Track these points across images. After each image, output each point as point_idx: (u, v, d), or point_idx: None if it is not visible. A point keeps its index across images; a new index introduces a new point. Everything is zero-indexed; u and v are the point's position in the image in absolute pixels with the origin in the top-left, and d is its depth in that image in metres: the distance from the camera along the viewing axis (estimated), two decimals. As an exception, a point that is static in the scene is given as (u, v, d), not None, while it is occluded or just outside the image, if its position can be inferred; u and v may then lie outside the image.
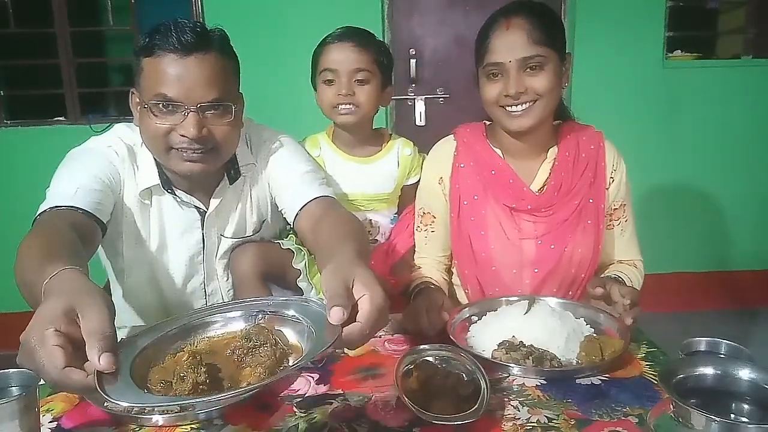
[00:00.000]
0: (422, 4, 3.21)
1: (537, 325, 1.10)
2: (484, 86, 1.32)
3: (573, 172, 1.36)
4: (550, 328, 1.09)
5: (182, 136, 1.15)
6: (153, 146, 1.20)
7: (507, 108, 1.29)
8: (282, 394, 0.97)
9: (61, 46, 3.14)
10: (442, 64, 3.26)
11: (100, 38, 3.92)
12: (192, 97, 1.13)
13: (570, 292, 1.39)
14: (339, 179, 1.56)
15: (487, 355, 1.05)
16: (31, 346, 0.64)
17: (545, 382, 0.99)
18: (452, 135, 1.47)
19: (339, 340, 0.70)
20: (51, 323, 0.64)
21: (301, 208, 1.28)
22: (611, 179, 1.39)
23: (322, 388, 0.99)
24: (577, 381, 0.99)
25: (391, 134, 1.66)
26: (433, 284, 1.39)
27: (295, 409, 0.93)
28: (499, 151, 1.40)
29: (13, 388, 0.83)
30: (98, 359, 0.63)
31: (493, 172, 1.38)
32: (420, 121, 3.29)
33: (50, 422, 0.90)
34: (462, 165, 1.41)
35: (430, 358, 1.00)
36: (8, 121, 3.19)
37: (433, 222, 1.46)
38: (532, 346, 1.06)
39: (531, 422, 0.87)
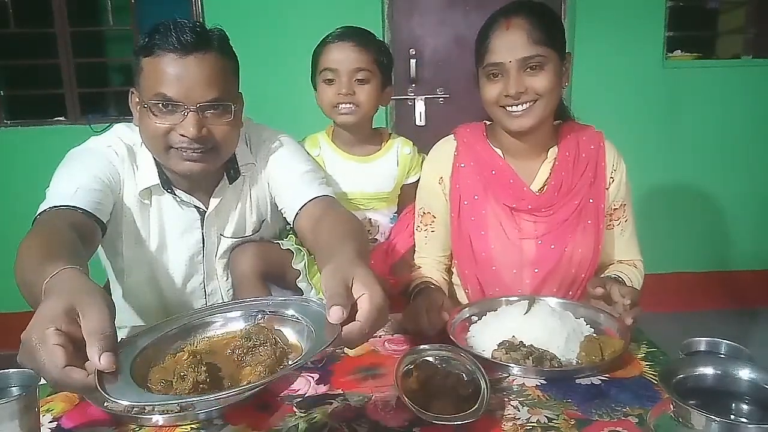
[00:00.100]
0: (422, 4, 3.22)
1: (537, 325, 1.10)
2: (484, 86, 1.32)
3: (573, 172, 1.36)
4: (550, 328, 1.09)
5: (182, 135, 1.15)
6: (153, 146, 1.20)
7: (507, 108, 1.29)
8: (282, 394, 0.97)
9: (61, 46, 3.14)
10: (442, 64, 3.26)
11: (100, 38, 3.92)
12: (191, 96, 1.13)
13: (570, 292, 1.39)
14: (338, 178, 1.56)
15: (487, 355, 1.05)
16: (31, 345, 0.64)
17: (545, 382, 0.99)
18: (452, 135, 1.47)
19: (338, 338, 0.70)
20: (52, 322, 0.64)
21: (301, 208, 1.28)
22: (611, 179, 1.39)
23: (322, 388, 0.99)
24: (577, 381, 0.99)
25: (390, 133, 1.66)
26: (433, 284, 1.39)
27: (295, 409, 0.93)
28: (499, 151, 1.40)
29: (13, 388, 0.83)
30: (98, 359, 0.63)
31: (493, 172, 1.38)
32: (420, 121, 3.29)
33: (50, 422, 0.90)
34: (462, 165, 1.41)
35: (430, 358, 1.00)
36: (8, 121, 3.19)
37: (433, 222, 1.46)
38: (532, 346, 1.06)
39: (531, 422, 0.87)
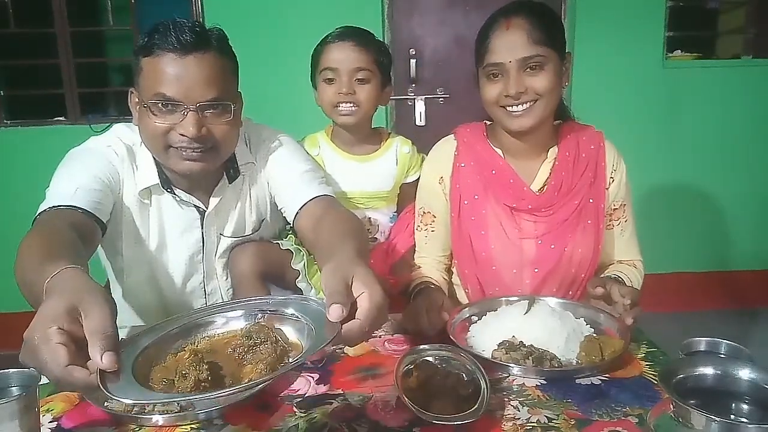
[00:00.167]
0: (422, 4, 3.21)
1: (537, 325, 1.10)
2: (484, 86, 1.32)
3: (573, 172, 1.36)
4: (550, 328, 1.09)
5: (181, 135, 1.15)
6: (152, 145, 1.20)
7: (507, 108, 1.29)
8: (282, 394, 0.97)
9: (61, 46, 3.14)
10: (442, 64, 3.26)
11: (100, 38, 3.92)
12: (191, 96, 1.13)
13: (570, 292, 1.39)
14: (338, 178, 1.57)
15: (487, 355, 1.05)
16: (34, 344, 0.64)
17: (545, 382, 0.99)
18: (452, 135, 1.47)
19: (338, 336, 0.70)
20: (54, 321, 0.65)
21: (301, 207, 1.28)
22: (611, 179, 1.39)
23: (322, 388, 0.99)
24: (577, 381, 0.99)
25: (389, 133, 1.66)
26: (433, 284, 1.39)
27: (295, 409, 0.93)
28: (499, 151, 1.40)
29: (13, 388, 0.83)
30: (100, 358, 0.63)
31: (493, 172, 1.38)
32: (420, 121, 3.29)
33: (50, 422, 0.90)
34: (462, 165, 1.41)
35: (430, 358, 1.00)
36: (8, 121, 3.19)
37: (433, 221, 1.46)
38: (532, 346, 1.06)
39: (531, 422, 0.87)
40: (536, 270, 1.36)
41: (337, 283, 0.73)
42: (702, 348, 0.96)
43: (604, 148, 1.40)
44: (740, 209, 3.45)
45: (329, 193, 1.31)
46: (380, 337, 1.19)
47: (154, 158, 1.25)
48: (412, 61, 3.23)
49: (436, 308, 1.17)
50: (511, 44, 1.25)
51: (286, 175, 1.34)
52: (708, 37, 3.74)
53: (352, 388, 0.99)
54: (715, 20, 3.81)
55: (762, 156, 3.40)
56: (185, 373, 0.70)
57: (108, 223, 1.19)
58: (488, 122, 1.45)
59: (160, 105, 1.14)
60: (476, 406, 0.85)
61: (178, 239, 1.32)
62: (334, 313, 0.70)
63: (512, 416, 0.89)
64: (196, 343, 0.79)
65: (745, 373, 0.79)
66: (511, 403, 0.93)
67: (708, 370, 0.80)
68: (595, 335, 1.10)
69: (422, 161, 1.58)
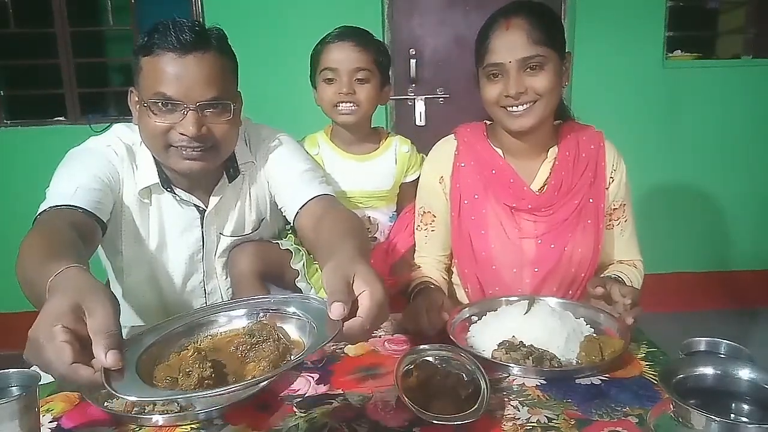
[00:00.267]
0: (422, 4, 3.21)
1: (537, 325, 1.10)
2: (484, 87, 1.32)
3: (573, 172, 1.36)
4: (550, 328, 1.09)
5: (181, 134, 1.15)
6: (152, 145, 1.20)
7: (507, 108, 1.29)
8: (282, 394, 0.97)
9: (61, 46, 3.14)
10: (442, 64, 3.26)
11: (100, 38, 3.91)
12: (191, 95, 1.13)
13: (570, 292, 1.39)
14: (338, 177, 1.57)
15: (487, 355, 1.05)
16: (39, 342, 0.65)
17: (545, 382, 0.99)
18: (453, 134, 1.47)
19: (340, 334, 0.70)
20: (58, 319, 0.65)
21: (302, 207, 1.28)
22: (611, 179, 1.39)
23: (322, 388, 0.99)
24: (577, 381, 0.99)
25: (388, 132, 1.66)
26: (433, 284, 1.39)
27: (295, 409, 0.93)
28: (499, 151, 1.40)
29: (13, 388, 0.83)
30: (105, 356, 0.64)
31: (493, 172, 1.38)
32: (420, 121, 3.29)
33: (50, 422, 0.90)
34: (462, 164, 1.41)
35: (430, 358, 1.00)
36: (8, 121, 3.19)
37: (433, 221, 1.46)
38: (532, 346, 1.06)
39: (531, 422, 0.87)
40: (536, 270, 1.36)
41: (339, 282, 0.74)
42: (702, 348, 0.96)
43: (604, 148, 1.40)
44: (740, 209, 3.45)
45: (329, 193, 1.31)
46: (380, 337, 1.19)
47: (153, 158, 1.25)
48: (412, 61, 3.23)
49: (436, 308, 1.17)
50: (511, 44, 1.25)
51: (286, 175, 1.34)
52: (708, 37, 3.74)
53: (352, 388, 0.99)
54: (715, 20, 3.81)
55: (762, 156, 3.40)
56: (189, 371, 0.70)
57: (108, 222, 1.19)
58: (488, 122, 1.45)
59: (160, 104, 1.14)
60: (476, 406, 0.85)
61: (178, 238, 1.32)
62: (336, 311, 0.70)
63: (512, 416, 0.89)
64: (199, 342, 0.79)
65: (745, 373, 0.79)
66: (511, 403, 0.93)
67: (708, 370, 0.80)
68: (595, 335, 1.10)
69: (422, 161, 1.58)
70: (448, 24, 3.23)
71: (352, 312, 0.72)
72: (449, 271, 1.51)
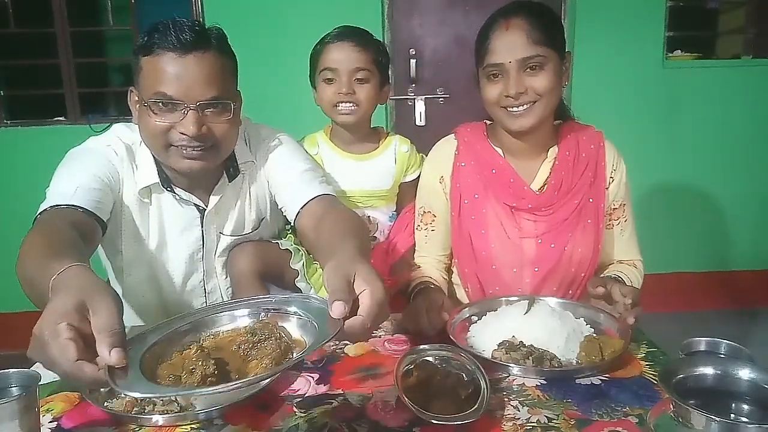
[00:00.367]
0: (422, 4, 3.21)
1: (537, 325, 1.10)
2: (484, 87, 1.32)
3: (573, 172, 1.36)
4: (550, 328, 1.09)
5: (182, 133, 1.15)
6: (152, 144, 1.20)
7: (508, 108, 1.29)
8: (282, 394, 0.97)
9: (61, 46, 3.14)
10: (442, 64, 3.26)
11: (100, 38, 3.92)
12: (191, 95, 1.13)
13: (570, 292, 1.39)
14: (337, 176, 1.57)
15: (487, 355, 1.05)
16: (44, 340, 0.65)
17: (545, 382, 0.99)
18: (453, 134, 1.47)
19: (341, 332, 0.71)
20: (63, 317, 0.65)
21: (302, 207, 1.28)
22: (611, 179, 1.39)
23: (322, 388, 0.99)
24: (577, 381, 0.99)
25: (388, 132, 1.67)
26: (433, 284, 1.39)
27: (295, 409, 0.93)
28: (499, 151, 1.41)
29: (13, 388, 0.83)
30: (109, 354, 0.64)
31: (493, 171, 1.38)
32: (420, 121, 3.29)
33: (50, 422, 0.90)
34: (463, 164, 1.41)
35: (430, 358, 1.00)
36: (8, 121, 3.19)
37: (433, 221, 1.46)
38: (532, 346, 1.06)
39: (531, 422, 0.87)
40: (536, 269, 1.36)
41: (339, 281, 0.74)
42: (702, 348, 0.96)
43: (604, 147, 1.40)
44: (740, 209, 3.45)
45: (330, 192, 1.31)
46: (380, 337, 1.19)
47: (153, 157, 1.25)
48: (412, 61, 3.23)
49: (436, 308, 1.17)
50: (511, 44, 1.25)
51: (287, 175, 1.34)
52: (708, 37, 3.74)
53: (352, 388, 0.99)
54: (715, 20, 3.81)
55: (762, 156, 3.40)
56: (192, 369, 0.71)
57: (108, 222, 1.19)
58: (488, 122, 1.45)
59: (160, 104, 1.14)
60: (476, 406, 0.85)
61: (178, 238, 1.32)
62: (337, 309, 0.70)
63: (512, 416, 0.89)
64: (201, 341, 0.79)
65: (745, 373, 0.79)
66: (511, 403, 0.93)
67: (708, 370, 0.80)
68: (595, 335, 1.10)
69: (421, 160, 1.58)
70: (448, 24, 3.23)
71: (353, 311, 0.73)
72: (449, 271, 1.51)
